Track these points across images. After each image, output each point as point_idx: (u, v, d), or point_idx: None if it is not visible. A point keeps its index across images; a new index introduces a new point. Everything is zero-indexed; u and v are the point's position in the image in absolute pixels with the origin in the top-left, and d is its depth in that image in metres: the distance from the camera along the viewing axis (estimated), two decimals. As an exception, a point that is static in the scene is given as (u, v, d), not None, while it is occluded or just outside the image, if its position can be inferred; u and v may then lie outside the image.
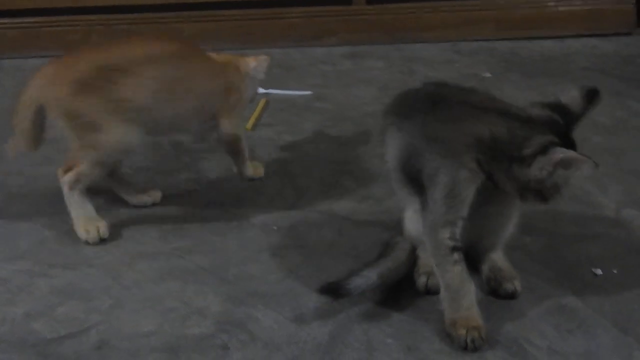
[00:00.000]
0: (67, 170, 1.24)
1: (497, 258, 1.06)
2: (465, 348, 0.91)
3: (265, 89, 1.96)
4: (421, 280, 1.03)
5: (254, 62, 1.37)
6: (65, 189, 1.23)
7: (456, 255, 0.94)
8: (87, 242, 1.22)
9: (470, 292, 0.94)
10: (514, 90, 1.92)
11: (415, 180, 0.96)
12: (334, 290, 0.97)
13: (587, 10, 2.48)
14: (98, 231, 1.22)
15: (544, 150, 0.86)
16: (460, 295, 0.93)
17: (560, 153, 0.85)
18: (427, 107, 0.99)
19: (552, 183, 0.88)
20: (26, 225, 1.31)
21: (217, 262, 1.16)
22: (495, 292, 1.02)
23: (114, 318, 1.03)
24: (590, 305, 0.99)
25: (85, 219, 1.24)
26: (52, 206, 1.39)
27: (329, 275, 1.09)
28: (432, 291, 1.01)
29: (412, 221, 1.05)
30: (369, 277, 0.99)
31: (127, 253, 1.21)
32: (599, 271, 1.07)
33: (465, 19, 2.43)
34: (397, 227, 1.15)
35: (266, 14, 2.22)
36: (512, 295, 1.02)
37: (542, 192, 0.89)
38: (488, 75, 2.09)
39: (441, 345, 0.93)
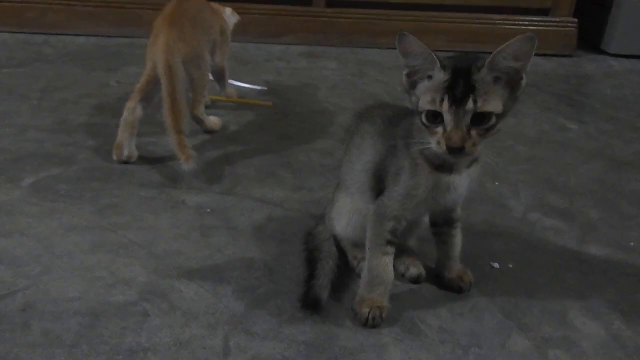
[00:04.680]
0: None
1: (411, 245, 1.16)
2: (364, 324, 1.00)
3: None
4: (361, 267, 1.09)
5: (228, 10, 1.85)
6: None
7: (389, 248, 1.02)
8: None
9: (387, 282, 1.02)
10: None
11: (381, 182, 1.02)
12: (315, 305, 1.02)
13: (532, 30, 2.63)
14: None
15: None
16: (377, 281, 1.02)
17: None
18: (390, 117, 1.05)
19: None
20: (-36, 193, 1.34)
21: (149, 238, 1.22)
22: (402, 275, 1.12)
23: (41, 283, 1.08)
24: (484, 293, 1.10)
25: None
26: (-9, 176, 1.42)
27: (253, 256, 1.17)
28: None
29: (349, 220, 1.11)
30: (327, 284, 1.05)
31: (61, 225, 1.25)
32: (496, 265, 1.18)
33: (418, 29, 2.54)
34: (321, 216, 1.24)
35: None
36: (416, 280, 1.11)
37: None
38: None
39: (344, 320, 1.02)
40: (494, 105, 0.86)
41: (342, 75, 2.30)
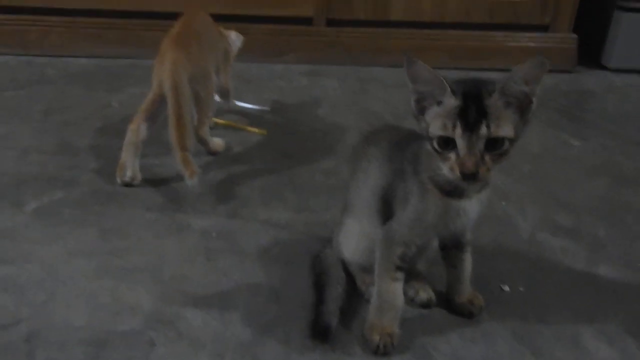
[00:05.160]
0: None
1: (420, 269, 1.15)
2: (375, 352, 0.98)
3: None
4: (370, 292, 1.07)
5: (234, 34, 1.88)
6: None
7: (398, 274, 1.00)
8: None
9: (397, 308, 1.01)
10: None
11: (390, 207, 1.00)
12: (324, 334, 1.00)
13: (534, 47, 2.65)
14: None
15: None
16: (387, 307, 1.00)
17: None
18: (397, 140, 1.04)
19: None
20: (-34, 218, 1.33)
21: (153, 263, 1.21)
22: (412, 300, 1.10)
23: (45, 312, 1.06)
24: (495, 317, 1.08)
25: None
26: (-6, 201, 1.41)
27: (260, 281, 1.16)
28: None
29: (357, 244, 1.09)
30: (336, 311, 1.04)
31: (65, 250, 1.24)
32: (506, 287, 1.17)
33: (419, 46, 2.56)
34: (328, 238, 1.23)
35: (228, 27, 2.28)
36: (426, 305, 1.10)
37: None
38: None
39: (354, 348, 1.00)
40: (506, 130, 0.85)
41: (343, 93, 2.30)
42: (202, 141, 1.64)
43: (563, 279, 1.21)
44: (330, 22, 2.63)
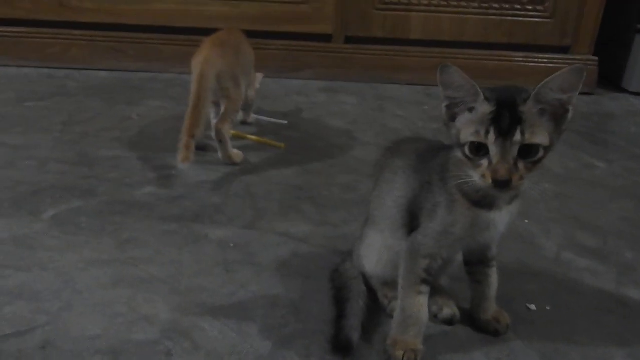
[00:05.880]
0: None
1: (443, 284, 1.12)
2: (398, 368, 0.95)
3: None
4: (392, 306, 1.06)
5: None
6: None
7: (423, 287, 0.97)
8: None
9: (422, 323, 0.97)
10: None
11: (415, 218, 0.98)
12: (346, 348, 0.97)
13: (553, 67, 2.63)
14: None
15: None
16: (411, 322, 0.97)
17: None
18: (423, 151, 1.02)
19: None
20: (-16, 224, 1.32)
21: (171, 273, 1.19)
22: (435, 316, 1.07)
23: (61, 320, 1.04)
24: (521, 336, 1.05)
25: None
26: (12, 209, 1.41)
27: (278, 293, 1.13)
28: None
29: (379, 257, 1.06)
30: (358, 325, 1.01)
31: (82, 259, 1.22)
32: (533, 307, 1.13)
33: (436, 65, 2.55)
34: (348, 252, 1.20)
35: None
36: (450, 321, 1.07)
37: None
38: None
39: (377, 364, 0.97)
40: (541, 137, 0.83)
41: (361, 110, 2.30)
42: (220, 137, 1.65)
43: (591, 300, 1.17)
44: (349, 40, 2.64)
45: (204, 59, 1.59)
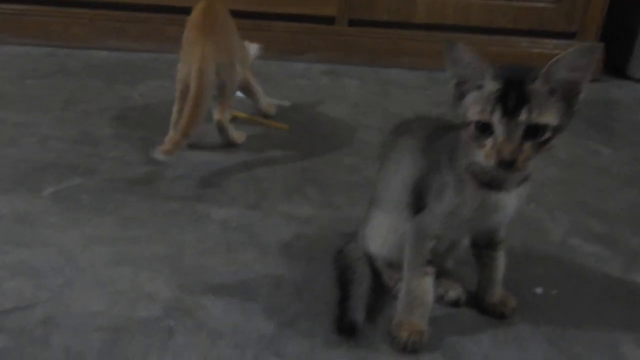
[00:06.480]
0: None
1: (449, 267, 1.11)
2: (404, 349, 0.94)
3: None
4: (398, 287, 1.04)
5: (246, 42, 1.83)
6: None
7: (429, 268, 0.96)
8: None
9: (427, 304, 0.96)
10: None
11: (421, 199, 0.96)
12: (351, 330, 0.96)
13: (559, 54, 2.60)
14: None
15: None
16: (417, 303, 0.96)
17: None
18: (431, 130, 1.00)
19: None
20: (-16, 201, 1.31)
21: (173, 252, 1.18)
22: (440, 298, 1.06)
23: (62, 296, 1.03)
24: (527, 320, 1.04)
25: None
26: (12, 185, 1.39)
27: (282, 274, 1.12)
28: None
29: (385, 239, 1.05)
30: (362, 307, 1.00)
31: (83, 236, 1.21)
32: (539, 290, 1.12)
33: (441, 49, 2.52)
34: (352, 234, 1.19)
35: (251, 25, 2.26)
36: (456, 304, 1.06)
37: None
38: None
39: (381, 345, 0.96)
40: (549, 117, 0.81)
41: (364, 93, 2.27)
42: (222, 128, 1.62)
43: (598, 286, 1.16)
44: (353, 22, 2.60)
45: (202, 56, 1.47)
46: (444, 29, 2.60)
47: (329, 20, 2.60)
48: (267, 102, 1.87)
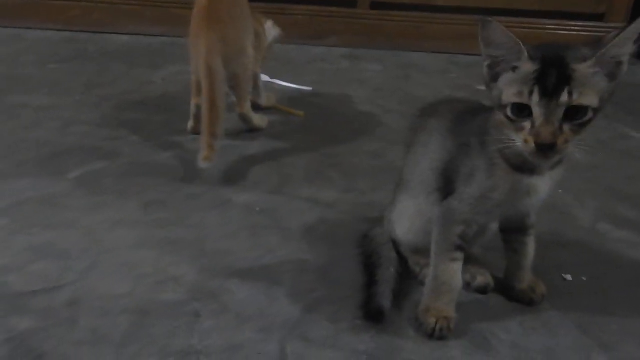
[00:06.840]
0: None
1: (476, 253, 1.08)
2: (431, 336, 0.92)
3: (271, 78, 2.01)
4: (424, 273, 1.03)
5: (270, 23, 1.78)
6: None
7: (458, 254, 0.94)
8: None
9: (455, 290, 0.95)
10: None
11: (451, 183, 0.94)
12: (378, 316, 0.95)
13: (586, 36, 2.53)
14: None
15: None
16: (444, 289, 0.94)
17: None
18: (461, 113, 0.97)
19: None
20: (9, 185, 1.32)
21: (197, 236, 1.17)
22: (468, 285, 1.04)
23: (88, 278, 1.03)
24: (556, 307, 1.02)
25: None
26: (36, 169, 1.40)
27: (306, 259, 1.11)
28: None
29: (411, 224, 1.03)
30: (389, 293, 0.98)
31: (107, 219, 1.21)
32: (568, 277, 1.09)
33: (463, 33, 2.47)
34: (376, 219, 1.17)
35: (270, 9, 2.24)
36: (484, 290, 1.04)
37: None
38: (482, 87, 2.13)
39: (408, 331, 0.94)
40: (590, 98, 0.78)
41: (386, 77, 2.24)
42: (245, 118, 1.60)
43: (628, 272, 1.13)
44: (374, 5, 2.56)
45: (207, 50, 1.40)
46: (467, 12, 2.54)
47: (351, 4, 2.56)
48: (267, 96, 1.81)
